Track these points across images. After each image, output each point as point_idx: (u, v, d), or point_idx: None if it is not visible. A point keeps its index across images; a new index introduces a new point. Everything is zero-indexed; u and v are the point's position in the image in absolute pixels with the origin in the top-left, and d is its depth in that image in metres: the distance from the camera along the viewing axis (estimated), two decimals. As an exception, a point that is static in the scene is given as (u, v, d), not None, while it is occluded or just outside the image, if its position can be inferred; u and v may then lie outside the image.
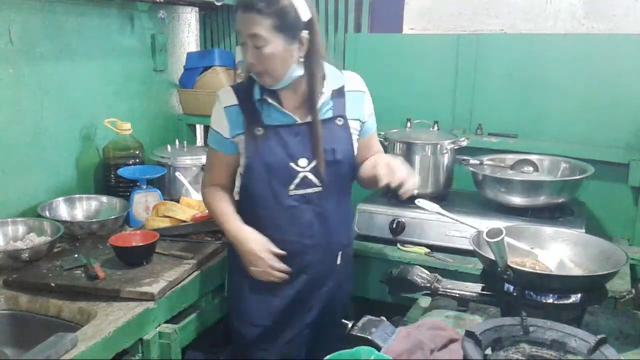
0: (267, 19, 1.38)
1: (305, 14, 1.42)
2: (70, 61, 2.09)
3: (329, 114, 1.54)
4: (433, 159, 2.06)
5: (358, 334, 1.29)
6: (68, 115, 2.10)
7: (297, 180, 1.52)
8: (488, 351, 1.05)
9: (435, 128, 2.20)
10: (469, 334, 1.03)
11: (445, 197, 2.13)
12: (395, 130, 2.21)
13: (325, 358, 1.04)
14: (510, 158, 2.13)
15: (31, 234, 1.78)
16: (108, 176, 2.16)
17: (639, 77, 2.07)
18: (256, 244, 1.51)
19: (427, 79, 2.39)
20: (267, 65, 1.43)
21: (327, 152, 1.52)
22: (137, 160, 2.18)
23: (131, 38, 2.37)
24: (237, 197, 1.63)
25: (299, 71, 1.48)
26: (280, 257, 1.54)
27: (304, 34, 1.43)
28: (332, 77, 1.55)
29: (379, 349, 1.21)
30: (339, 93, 1.57)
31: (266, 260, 1.50)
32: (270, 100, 1.51)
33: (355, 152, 1.60)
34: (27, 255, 1.62)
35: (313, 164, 1.52)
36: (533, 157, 2.09)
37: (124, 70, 2.35)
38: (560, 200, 1.93)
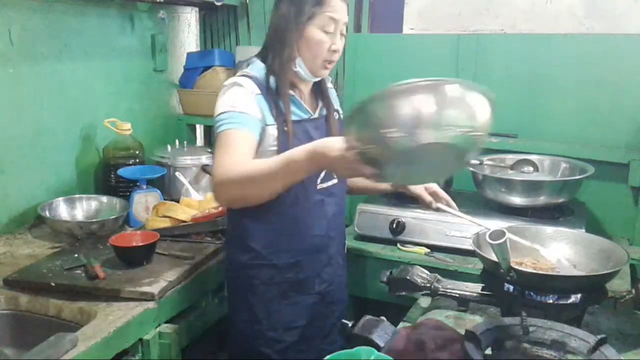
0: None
1: None
2: (70, 61, 2.09)
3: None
4: (433, 159, 2.06)
5: (358, 334, 1.29)
6: (68, 115, 2.10)
7: (322, 175, 1.54)
8: (488, 351, 1.05)
9: (436, 128, 2.20)
10: (469, 334, 1.03)
11: (445, 197, 2.13)
12: (395, 130, 2.21)
13: (325, 358, 1.04)
14: (510, 158, 2.12)
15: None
16: (108, 176, 2.16)
17: (639, 77, 2.07)
18: (337, 149, 1.25)
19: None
20: (340, 54, 1.52)
21: None
22: (137, 160, 2.18)
23: (131, 38, 2.37)
24: None
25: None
26: (308, 252, 1.55)
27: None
28: None
29: (379, 349, 1.21)
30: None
31: (352, 157, 1.22)
32: (294, 94, 1.53)
33: None
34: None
35: None
36: (533, 157, 2.09)
37: (124, 70, 2.35)
38: (560, 200, 1.93)
